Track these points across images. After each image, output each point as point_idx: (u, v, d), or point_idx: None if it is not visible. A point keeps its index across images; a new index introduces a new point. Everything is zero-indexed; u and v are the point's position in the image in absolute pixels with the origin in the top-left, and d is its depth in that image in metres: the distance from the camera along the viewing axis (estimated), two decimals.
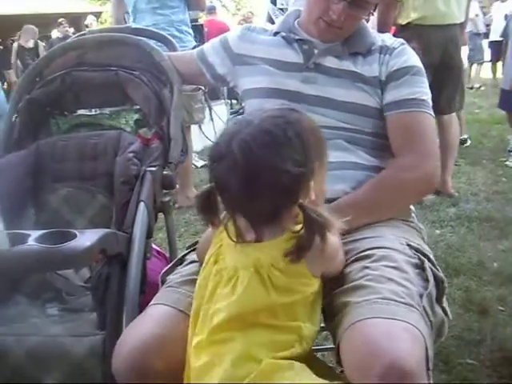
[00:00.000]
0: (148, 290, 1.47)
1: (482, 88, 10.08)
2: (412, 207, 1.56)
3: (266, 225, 1.06)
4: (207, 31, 6.81)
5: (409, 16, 3.53)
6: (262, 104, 1.48)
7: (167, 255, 1.79)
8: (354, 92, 1.45)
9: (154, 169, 1.49)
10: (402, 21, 3.54)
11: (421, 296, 1.14)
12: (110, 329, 1.30)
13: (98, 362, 1.28)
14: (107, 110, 1.80)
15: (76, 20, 12.23)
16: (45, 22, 11.59)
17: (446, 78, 3.63)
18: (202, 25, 6.30)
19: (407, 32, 3.51)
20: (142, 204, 1.41)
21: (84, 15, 11.29)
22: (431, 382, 1.02)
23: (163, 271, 1.39)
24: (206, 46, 1.73)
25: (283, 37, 1.55)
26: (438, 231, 3.32)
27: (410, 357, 0.94)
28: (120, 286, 1.33)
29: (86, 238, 1.18)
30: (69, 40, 1.99)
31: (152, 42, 1.85)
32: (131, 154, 1.51)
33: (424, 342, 1.01)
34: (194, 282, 1.20)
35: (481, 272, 2.75)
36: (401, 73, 1.46)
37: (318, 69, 1.49)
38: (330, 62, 1.49)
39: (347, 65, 1.48)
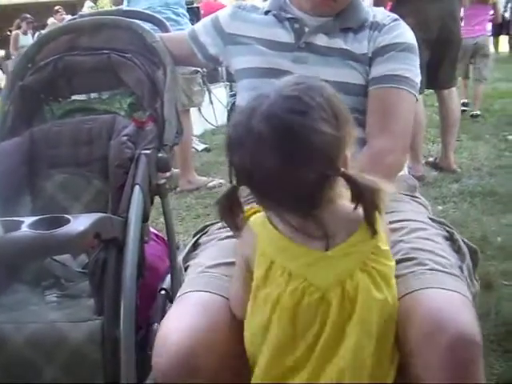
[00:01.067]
0: (147, 274, 1.47)
1: None
2: (417, 183, 1.55)
3: (319, 211, 0.95)
4: (204, 13, 6.77)
5: None
6: (254, 84, 1.47)
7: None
8: (344, 70, 1.43)
9: (148, 151, 1.47)
10: None
11: (460, 267, 1.15)
12: (108, 314, 1.30)
13: (96, 346, 1.28)
14: (101, 95, 1.79)
15: (73, 7, 12.16)
16: (42, 11, 11.52)
17: (444, 53, 3.61)
18: (198, 7, 6.28)
19: (404, 7, 3.47)
20: (137, 187, 1.40)
21: (80, 2, 11.21)
22: None
23: (182, 258, 1.36)
24: (198, 26, 1.70)
25: (274, 15, 1.52)
26: (440, 207, 3.30)
27: (474, 327, 0.96)
28: (117, 270, 1.32)
29: (80, 223, 1.17)
30: (60, 25, 1.97)
31: (147, 25, 1.83)
32: (125, 138, 1.49)
33: (475, 313, 1.02)
34: (226, 264, 1.18)
35: (484, 247, 2.73)
36: (387, 49, 1.43)
37: (309, 48, 1.46)
38: (321, 40, 1.46)
39: (337, 42, 1.45)
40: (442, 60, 3.62)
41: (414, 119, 3.94)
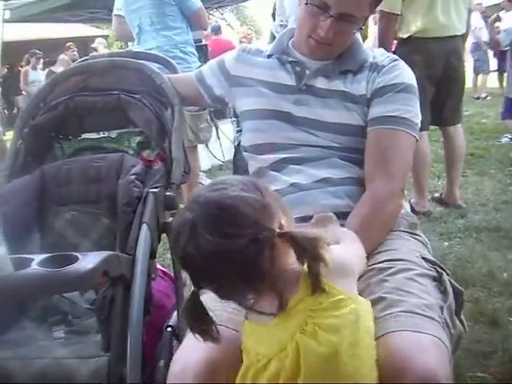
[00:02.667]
0: (154, 311, 1.48)
1: (489, 98, 10.06)
2: (417, 220, 1.55)
3: (265, 283, 0.96)
4: (211, 51, 6.87)
5: (409, 29, 3.54)
6: (258, 125, 1.52)
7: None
8: (343, 112, 1.45)
9: (156, 190, 1.50)
10: (403, 34, 3.56)
11: (441, 308, 1.16)
12: (115, 350, 1.31)
13: (102, 383, 1.29)
14: (110, 133, 1.83)
15: (83, 44, 12.39)
16: (51, 47, 11.73)
17: (449, 90, 3.64)
18: (206, 45, 6.36)
19: (409, 45, 3.54)
20: (144, 225, 1.43)
21: (91, 39, 11.42)
22: None
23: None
24: (204, 68, 1.75)
25: (277, 58, 1.57)
26: (446, 243, 3.30)
27: (441, 369, 0.96)
28: (124, 307, 1.34)
29: (89, 261, 1.19)
30: (71, 66, 2.02)
31: (155, 65, 1.89)
32: (133, 176, 1.53)
33: (449, 355, 1.03)
34: None
35: (490, 283, 2.73)
36: (385, 90, 1.45)
37: (309, 90, 1.50)
38: (321, 82, 1.50)
39: (337, 84, 1.48)
40: (446, 97, 3.66)
41: (419, 155, 3.96)
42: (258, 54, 1.62)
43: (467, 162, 4.99)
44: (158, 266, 1.77)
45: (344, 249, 1.09)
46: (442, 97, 3.62)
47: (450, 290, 1.24)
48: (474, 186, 4.48)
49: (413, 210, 3.54)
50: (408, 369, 0.95)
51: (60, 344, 1.43)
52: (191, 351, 1.10)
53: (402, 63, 1.51)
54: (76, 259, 1.19)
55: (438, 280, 1.27)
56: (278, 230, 0.95)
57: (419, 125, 1.47)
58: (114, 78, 1.81)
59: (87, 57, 1.96)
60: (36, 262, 1.19)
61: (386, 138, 1.42)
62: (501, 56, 9.67)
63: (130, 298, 1.33)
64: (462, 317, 1.22)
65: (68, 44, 11.00)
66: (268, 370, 0.97)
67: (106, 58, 1.92)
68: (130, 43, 4.17)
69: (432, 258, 1.36)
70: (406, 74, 1.49)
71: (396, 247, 1.33)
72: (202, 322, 1.03)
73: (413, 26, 3.53)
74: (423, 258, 1.32)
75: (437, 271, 1.29)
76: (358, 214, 1.35)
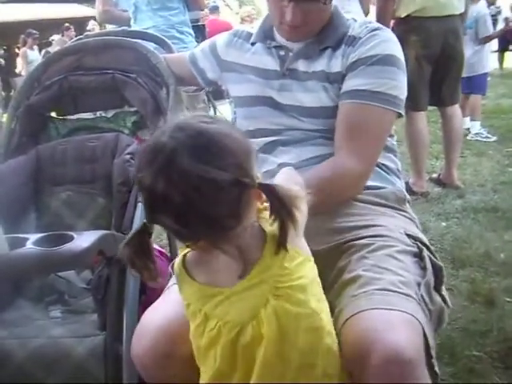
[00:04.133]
0: (150, 291, 1.48)
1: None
2: (407, 196, 1.53)
3: (236, 236, 0.90)
4: (209, 31, 6.82)
5: (408, 8, 3.51)
6: (249, 112, 1.51)
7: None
8: (321, 94, 1.41)
9: None
10: (401, 13, 3.53)
11: (418, 284, 1.15)
12: (111, 329, 1.32)
13: (99, 361, 1.30)
14: (105, 113, 1.82)
15: (80, 24, 12.30)
16: (46, 28, 11.65)
17: (447, 70, 3.62)
18: (203, 25, 6.31)
19: (407, 25, 3.51)
20: (139, 205, 1.42)
21: (87, 19, 11.34)
22: (436, 369, 1.04)
23: (172, 263, 1.36)
24: (197, 50, 1.73)
25: (262, 44, 1.53)
26: (444, 223, 3.30)
27: (408, 345, 0.95)
28: (120, 287, 1.35)
29: (84, 240, 1.19)
30: (65, 45, 2.01)
31: (150, 45, 1.87)
32: (128, 156, 1.52)
33: (422, 330, 1.02)
34: None
35: (487, 263, 2.74)
36: (358, 63, 1.38)
37: (292, 75, 1.46)
38: (302, 65, 1.45)
39: (315, 65, 1.43)
40: (444, 77, 3.64)
41: (417, 135, 3.93)
42: (248, 38, 1.58)
43: (466, 142, 4.98)
44: (155, 246, 1.76)
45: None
46: (439, 77, 3.60)
47: (429, 266, 1.23)
48: (473, 166, 4.48)
49: (411, 190, 3.57)
50: (374, 347, 0.95)
51: (56, 323, 1.44)
52: (157, 307, 1.15)
53: (382, 33, 1.42)
54: (71, 238, 1.19)
55: (418, 256, 1.25)
56: (259, 180, 0.90)
57: (401, 98, 1.39)
58: (108, 57, 1.79)
59: (82, 36, 1.94)
60: (31, 241, 1.20)
61: (355, 113, 1.36)
62: (502, 35, 9.63)
63: (126, 277, 1.34)
64: (444, 292, 1.22)
65: (66, 24, 10.94)
66: (243, 337, 0.93)
67: (100, 37, 1.90)
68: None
69: (416, 234, 1.33)
70: (384, 45, 1.39)
71: (380, 223, 1.32)
72: (144, 260, 0.95)
73: (411, 5, 3.51)
74: (407, 235, 1.30)
75: (418, 247, 1.27)
76: (317, 175, 1.32)
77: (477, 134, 5.46)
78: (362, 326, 1.00)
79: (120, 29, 1.97)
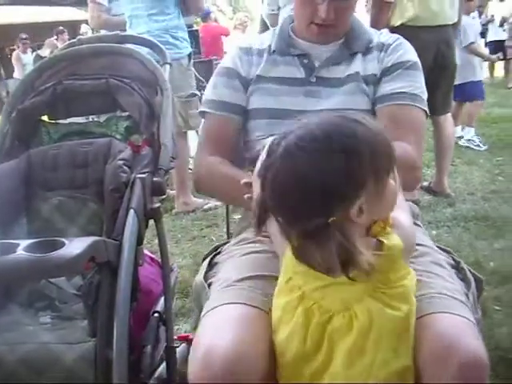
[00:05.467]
0: (141, 297, 1.48)
1: None
2: (419, 211, 1.57)
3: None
4: (202, 37, 6.85)
5: (401, 17, 3.53)
6: (266, 124, 1.48)
7: None
8: (357, 97, 1.45)
9: (143, 175, 1.49)
10: (395, 22, 3.55)
11: (466, 294, 1.18)
12: (101, 336, 1.31)
13: (89, 368, 1.29)
14: (98, 118, 1.82)
15: (73, 27, 12.28)
16: (41, 31, 11.63)
17: (439, 79, 3.64)
18: (197, 30, 6.34)
19: (400, 33, 3.47)
20: (131, 211, 1.42)
21: (80, 23, 11.33)
22: None
23: (202, 276, 1.37)
24: (222, 93, 1.56)
25: (282, 53, 1.53)
26: (434, 232, 3.32)
27: (482, 350, 0.99)
28: (111, 293, 1.33)
29: (75, 246, 1.19)
30: (60, 50, 2.00)
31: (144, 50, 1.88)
32: (121, 162, 1.52)
33: (481, 337, 1.05)
34: (252, 277, 1.20)
35: (477, 272, 2.72)
36: (394, 67, 1.48)
37: (321, 82, 1.48)
38: (332, 72, 1.49)
39: (348, 68, 1.49)
40: (436, 86, 3.65)
41: None
42: (261, 53, 1.56)
43: (456, 151, 5.01)
44: (146, 252, 1.76)
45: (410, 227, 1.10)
46: (431, 85, 3.57)
47: (470, 277, 1.27)
48: (463, 175, 4.51)
49: (433, 190, 3.61)
50: (453, 351, 0.96)
51: (46, 329, 1.42)
52: (217, 330, 1.07)
53: (404, 41, 1.55)
54: (62, 245, 1.19)
55: (456, 268, 1.30)
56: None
57: (426, 101, 1.49)
58: (103, 63, 1.79)
59: (74, 40, 1.93)
60: (22, 247, 1.19)
61: (401, 113, 1.44)
62: (493, 45, 9.71)
63: (117, 283, 1.33)
64: (479, 304, 1.24)
65: (60, 28, 10.92)
66: (332, 324, 1.00)
67: (93, 42, 1.89)
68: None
69: (445, 248, 1.40)
70: (411, 52, 1.53)
71: None
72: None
73: (405, 14, 3.53)
74: (437, 247, 1.35)
75: (453, 259, 1.34)
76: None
77: (469, 140, 5.51)
78: (436, 330, 1.02)
79: (113, 33, 1.96)
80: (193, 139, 4.50)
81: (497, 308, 2.41)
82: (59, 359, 1.30)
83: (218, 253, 1.46)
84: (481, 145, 5.48)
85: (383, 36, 1.57)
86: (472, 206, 3.77)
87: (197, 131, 4.70)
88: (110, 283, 1.35)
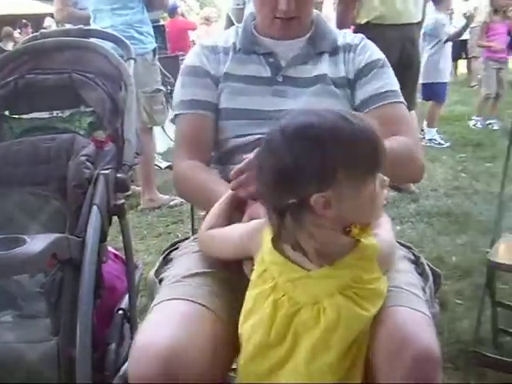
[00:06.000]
0: (105, 294, 1.47)
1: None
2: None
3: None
4: (169, 31, 6.81)
5: (367, 15, 3.56)
6: (234, 125, 1.47)
7: None
8: (325, 99, 1.44)
9: (107, 172, 1.48)
10: (361, 20, 3.58)
11: (423, 289, 1.20)
12: (64, 334, 1.30)
13: (52, 366, 1.27)
14: (61, 113, 1.79)
15: (36, 21, 12.06)
16: (3, 24, 11.38)
17: (404, 77, 3.63)
18: (163, 25, 6.29)
19: (366, 31, 3.48)
20: (94, 207, 1.40)
21: (44, 16, 11.13)
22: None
23: (154, 272, 1.36)
24: (192, 92, 1.53)
25: (247, 52, 1.52)
26: (398, 227, 3.37)
27: (435, 345, 1.00)
28: (73, 290, 1.32)
29: (36, 244, 1.17)
30: (22, 44, 1.96)
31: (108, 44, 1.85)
32: (84, 158, 1.50)
33: (435, 332, 1.06)
34: (201, 274, 1.21)
35: (439, 266, 2.75)
36: (368, 68, 1.48)
37: (288, 82, 1.48)
38: (299, 71, 1.49)
39: (315, 68, 1.48)
40: (402, 84, 3.68)
41: None
42: (226, 51, 1.54)
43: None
44: (110, 249, 1.75)
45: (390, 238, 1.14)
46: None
47: (429, 272, 1.28)
48: (427, 172, 4.53)
49: (396, 187, 3.63)
50: (407, 345, 0.97)
51: (7, 328, 1.40)
52: (156, 326, 1.07)
53: (368, 40, 1.57)
54: (24, 242, 1.17)
55: (415, 263, 1.32)
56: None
57: None
58: (66, 57, 1.76)
59: (37, 33, 1.90)
60: None
61: (390, 112, 1.45)
62: (455, 44, 9.85)
63: (80, 281, 1.31)
64: (436, 299, 1.26)
65: (24, 21, 10.72)
66: (299, 316, 1.01)
67: (57, 36, 1.86)
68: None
69: (406, 243, 1.41)
70: (377, 50, 1.55)
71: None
72: None
73: (371, 12, 3.56)
74: (398, 242, 1.35)
75: (413, 254, 1.35)
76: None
77: (430, 140, 5.62)
78: (390, 323, 1.02)
79: (76, 27, 1.93)
80: (158, 135, 4.49)
81: (458, 302, 2.46)
82: (21, 358, 1.28)
83: (176, 248, 1.46)
84: (442, 142, 5.60)
85: (348, 36, 1.57)
86: (435, 202, 3.84)
87: (162, 127, 4.70)
88: (72, 280, 1.34)
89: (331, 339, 0.99)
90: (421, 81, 5.54)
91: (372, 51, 1.53)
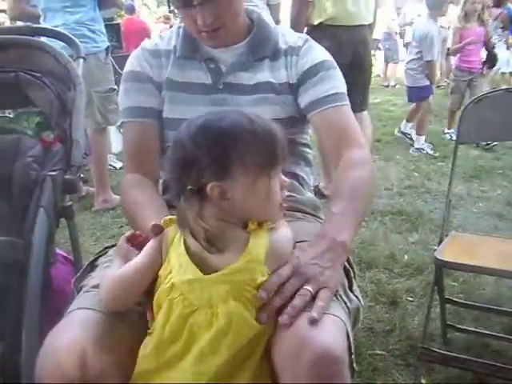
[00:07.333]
0: (54, 297, 1.44)
1: (397, 86, 10.42)
2: (319, 203, 1.58)
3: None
4: (125, 30, 6.73)
5: (320, 16, 3.59)
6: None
7: None
8: (266, 108, 1.40)
9: (54, 173, 1.45)
10: (314, 21, 3.61)
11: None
12: (9, 339, 1.28)
13: None
14: (7, 113, 1.75)
15: None
16: None
17: (356, 78, 3.71)
18: (118, 24, 6.22)
19: (319, 32, 3.58)
20: (41, 210, 1.38)
21: None
22: (354, 366, 1.07)
23: (74, 279, 1.32)
24: (134, 99, 1.48)
25: (187, 57, 1.47)
26: None
27: (336, 344, 0.98)
28: (19, 294, 1.30)
29: None
30: None
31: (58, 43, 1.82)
32: (30, 159, 1.47)
33: (345, 329, 1.05)
34: None
35: (392, 264, 2.86)
36: (313, 71, 1.43)
37: (228, 89, 1.43)
38: (239, 78, 1.44)
39: (256, 76, 1.43)
40: (353, 85, 3.71)
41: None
42: (167, 54, 1.49)
43: (375, 147, 5.17)
44: (59, 251, 1.72)
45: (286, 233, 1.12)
46: (348, 85, 3.69)
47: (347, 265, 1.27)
48: (381, 171, 4.65)
49: (321, 193, 3.65)
50: (305, 347, 0.97)
51: None
52: (61, 333, 1.06)
53: (312, 40, 1.51)
54: None
55: None
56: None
57: None
58: (13, 55, 1.72)
59: None
60: None
61: (337, 116, 1.42)
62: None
63: (26, 284, 1.29)
64: (357, 292, 1.26)
65: None
66: (194, 318, 1.01)
67: (3, 33, 1.82)
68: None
69: None
70: (321, 52, 1.49)
71: (298, 229, 1.35)
72: None
73: (323, 13, 3.59)
74: None
75: None
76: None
77: (418, 149, 5.47)
78: (291, 327, 1.01)
79: (25, 25, 1.89)
80: (113, 135, 4.43)
81: (410, 299, 2.51)
82: None
83: (104, 254, 1.38)
84: (430, 151, 5.40)
85: (289, 37, 1.49)
86: (388, 201, 3.90)
87: (117, 127, 4.63)
88: (18, 284, 1.31)
89: (221, 344, 1.00)
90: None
91: (316, 53, 1.46)
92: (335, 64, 1.49)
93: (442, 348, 2.06)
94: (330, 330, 1.01)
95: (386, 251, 3.02)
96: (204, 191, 1.00)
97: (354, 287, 1.25)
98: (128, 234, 1.17)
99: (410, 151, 5.42)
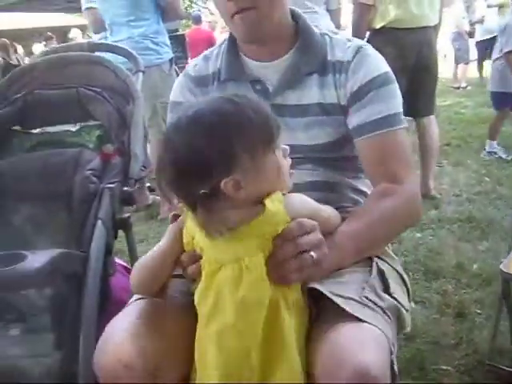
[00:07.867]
0: (113, 308, 1.46)
1: (469, 88, 10.11)
2: None
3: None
4: (191, 41, 6.84)
5: (383, 20, 3.54)
6: None
7: None
8: (319, 131, 1.33)
9: (112, 185, 1.49)
10: (376, 25, 3.56)
11: (363, 288, 1.15)
12: (67, 348, 1.31)
13: (55, 381, 1.28)
14: (70, 128, 1.81)
15: (63, 33, 12.26)
16: (30, 37, 11.63)
17: (422, 81, 3.65)
18: (182, 35, 6.32)
19: (382, 36, 3.54)
20: (99, 222, 1.42)
21: (70, 28, 11.32)
22: (395, 368, 1.04)
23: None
24: None
25: (233, 79, 1.39)
26: (418, 234, 3.31)
27: (375, 362, 0.96)
28: (77, 304, 1.33)
29: (36, 260, 1.18)
30: (31, 61, 2.00)
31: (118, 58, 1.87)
32: (89, 172, 1.51)
33: (386, 340, 1.02)
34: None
35: (459, 274, 2.75)
36: (364, 90, 1.29)
37: (277, 111, 1.22)
38: (287, 98, 1.34)
39: (304, 94, 1.33)
40: (419, 88, 3.66)
41: None
42: (210, 79, 1.42)
43: (444, 152, 5.02)
44: (120, 262, 1.75)
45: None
46: (415, 88, 3.61)
47: (374, 269, 1.23)
48: (450, 176, 4.51)
49: None
50: (342, 363, 0.94)
51: (14, 342, 1.41)
52: (119, 321, 1.11)
53: (366, 49, 1.34)
54: (24, 258, 1.18)
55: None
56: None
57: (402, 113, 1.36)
58: (74, 72, 1.79)
59: (47, 49, 1.93)
60: None
61: (383, 143, 1.30)
62: (481, 45, 9.71)
63: (83, 295, 1.32)
64: (395, 295, 1.20)
65: (49, 33, 10.91)
66: (219, 274, 1.02)
67: (64, 51, 1.89)
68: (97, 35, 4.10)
69: None
70: (375, 63, 1.32)
71: None
72: None
73: (386, 16, 3.54)
74: None
75: None
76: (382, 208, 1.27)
77: (490, 152, 5.14)
78: (330, 341, 0.99)
79: (85, 42, 1.95)
80: None
81: (478, 311, 2.40)
82: (25, 373, 1.30)
83: None
84: (503, 156, 5.04)
85: (337, 47, 1.34)
86: (457, 208, 3.76)
87: None
88: (77, 295, 1.34)
89: (254, 296, 1.00)
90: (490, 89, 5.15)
91: (367, 69, 1.30)
92: (390, 77, 1.33)
93: (510, 365, 1.96)
94: (370, 346, 0.99)
95: (454, 260, 2.90)
96: (218, 190, 0.98)
97: (392, 290, 1.20)
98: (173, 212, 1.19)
99: (482, 155, 5.21)
